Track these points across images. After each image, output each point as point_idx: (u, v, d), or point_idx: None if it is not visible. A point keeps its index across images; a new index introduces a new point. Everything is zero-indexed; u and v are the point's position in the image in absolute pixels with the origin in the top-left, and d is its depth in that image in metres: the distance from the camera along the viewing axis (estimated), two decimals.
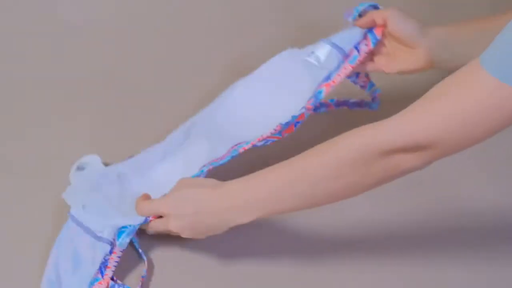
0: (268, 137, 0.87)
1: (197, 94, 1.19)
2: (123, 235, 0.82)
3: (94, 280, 0.81)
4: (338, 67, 0.88)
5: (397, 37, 0.90)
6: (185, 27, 1.33)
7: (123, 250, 0.83)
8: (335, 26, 0.94)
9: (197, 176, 0.87)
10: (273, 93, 0.93)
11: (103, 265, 0.81)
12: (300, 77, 0.91)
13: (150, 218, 0.83)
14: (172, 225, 0.81)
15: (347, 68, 0.88)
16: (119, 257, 0.82)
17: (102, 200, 0.89)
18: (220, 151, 0.88)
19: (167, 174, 0.91)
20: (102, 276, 0.81)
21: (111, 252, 0.82)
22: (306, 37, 0.99)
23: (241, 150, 0.86)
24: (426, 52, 0.89)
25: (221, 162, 0.86)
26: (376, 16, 0.91)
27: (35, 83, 1.20)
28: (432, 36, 0.89)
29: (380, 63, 0.93)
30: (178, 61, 1.27)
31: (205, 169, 0.86)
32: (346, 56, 0.89)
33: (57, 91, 1.19)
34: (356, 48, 0.89)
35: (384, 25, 0.91)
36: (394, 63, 0.93)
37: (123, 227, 0.83)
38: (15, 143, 1.07)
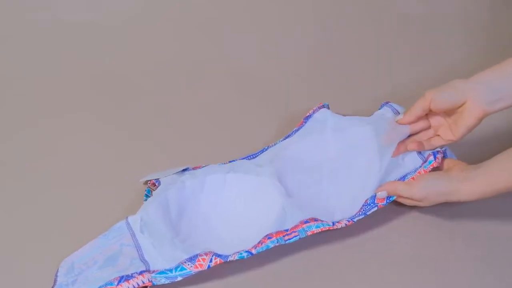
0: (340, 223, 0.90)
1: (196, 94, 1.19)
2: (163, 276, 0.83)
3: (108, 283, 0.81)
4: (414, 170, 0.94)
5: (446, 110, 0.95)
6: (185, 28, 1.33)
7: (151, 282, 0.83)
8: None
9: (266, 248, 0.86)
10: (348, 171, 0.98)
11: (126, 278, 0.82)
12: (373, 163, 0.96)
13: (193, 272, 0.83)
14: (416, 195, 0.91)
15: (421, 172, 0.95)
16: (143, 282, 0.83)
17: (159, 212, 0.89)
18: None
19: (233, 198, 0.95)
20: (117, 285, 0.81)
21: (141, 272, 0.83)
22: None
23: (309, 233, 0.88)
24: (476, 103, 0.91)
25: (287, 241, 0.87)
26: (418, 109, 0.96)
27: (34, 82, 1.20)
28: (476, 86, 0.91)
29: (447, 136, 0.97)
30: (178, 61, 1.27)
31: (271, 245, 0.86)
32: (424, 161, 0.95)
33: (57, 89, 1.19)
34: (434, 154, 0.95)
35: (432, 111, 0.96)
36: (457, 128, 0.95)
37: (169, 270, 0.83)
38: (13, 141, 1.07)
